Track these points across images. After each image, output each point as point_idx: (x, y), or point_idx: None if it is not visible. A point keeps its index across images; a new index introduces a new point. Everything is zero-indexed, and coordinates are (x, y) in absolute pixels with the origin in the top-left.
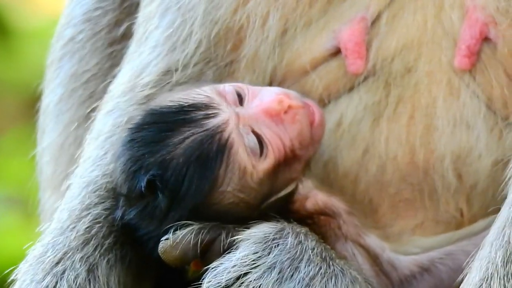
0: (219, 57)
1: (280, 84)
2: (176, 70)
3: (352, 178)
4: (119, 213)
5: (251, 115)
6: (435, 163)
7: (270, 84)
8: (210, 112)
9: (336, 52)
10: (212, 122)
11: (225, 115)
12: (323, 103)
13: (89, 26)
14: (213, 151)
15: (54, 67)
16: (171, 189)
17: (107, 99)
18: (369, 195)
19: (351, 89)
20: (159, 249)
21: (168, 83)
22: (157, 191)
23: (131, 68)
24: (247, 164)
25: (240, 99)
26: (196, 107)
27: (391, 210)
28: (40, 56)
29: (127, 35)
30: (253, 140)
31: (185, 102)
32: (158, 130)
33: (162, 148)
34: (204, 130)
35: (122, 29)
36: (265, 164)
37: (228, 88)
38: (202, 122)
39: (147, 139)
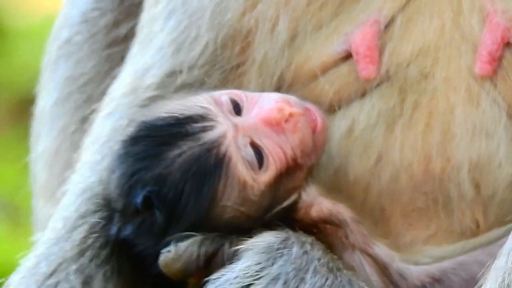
0: (226, 60)
1: (288, 89)
2: (181, 72)
3: (363, 186)
4: (114, 229)
5: (250, 125)
6: (451, 172)
7: (279, 88)
8: (206, 125)
9: (347, 57)
10: (209, 136)
11: (222, 128)
12: (333, 108)
13: (86, 27)
14: (211, 166)
15: (50, 69)
16: (168, 205)
17: (106, 101)
18: (381, 204)
19: (363, 95)
20: (160, 262)
21: (172, 85)
22: (154, 208)
23: (134, 70)
24: (247, 178)
25: (238, 107)
26: (192, 119)
27: (403, 219)
28: (35, 57)
29: (126, 37)
30: (251, 152)
31: (181, 114)
32: (153, 144)
33: (158, 163)
34: (201, 144)
35: (121, 30)
36: (266, 176)
37: (225, 96)
38: (199, 136)
39: (142, 153)
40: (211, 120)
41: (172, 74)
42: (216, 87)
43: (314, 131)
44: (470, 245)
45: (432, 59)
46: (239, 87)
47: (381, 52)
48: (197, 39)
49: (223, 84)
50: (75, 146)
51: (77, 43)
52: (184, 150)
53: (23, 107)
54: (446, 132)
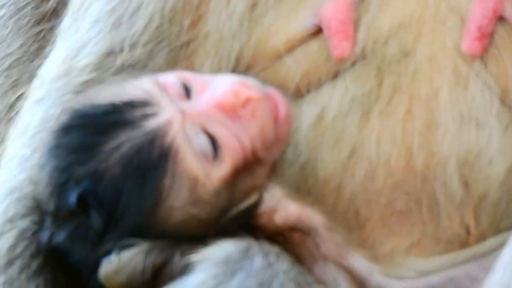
0: (174, 35)
1: (248, 70)
2: (121, 50)
3: (334, 185)
4: (45, 235)
5: (200, 111)
6: (436, 169)
7: (236, 70)
8: (148, 112)
9: (317, 32)
10: (151, 124)
11: (167, 114)
12: (300, 93)
13: (11, 0)
14: (154, 159)
15: None
16: (106, 206)
17: (36, 85)
18: (355, 206)
19: (335, 76)
20: (100, 274)
21: (111, 66)
22: (89, 209)
23: (66, 48)
24: (198, 172)
25: (188, 92)
26: (131, 105)
27: (381, 224)
28: None
29: (58, 11)
30: (204, 142)
31: (118, 100)
32: (88, 135)
33: (94, 156)
34: (142, 134)
35: (51, 3)
36: (221, 170)
37: (172, 79)
38: (139, 124)
39: (75, 145)
40: (154, 106)
41: (110, 53)
42: (162, 69)
43: (276, 119)
44: (461, 257)
45: (414, 34)
46: (189, 68)
47: (356, 27)
48: (140, 11)
49: (171, 65)
50: (1, 139)
51: (1, 19)
52: (123, 141)
53: None
54: (430, 121)
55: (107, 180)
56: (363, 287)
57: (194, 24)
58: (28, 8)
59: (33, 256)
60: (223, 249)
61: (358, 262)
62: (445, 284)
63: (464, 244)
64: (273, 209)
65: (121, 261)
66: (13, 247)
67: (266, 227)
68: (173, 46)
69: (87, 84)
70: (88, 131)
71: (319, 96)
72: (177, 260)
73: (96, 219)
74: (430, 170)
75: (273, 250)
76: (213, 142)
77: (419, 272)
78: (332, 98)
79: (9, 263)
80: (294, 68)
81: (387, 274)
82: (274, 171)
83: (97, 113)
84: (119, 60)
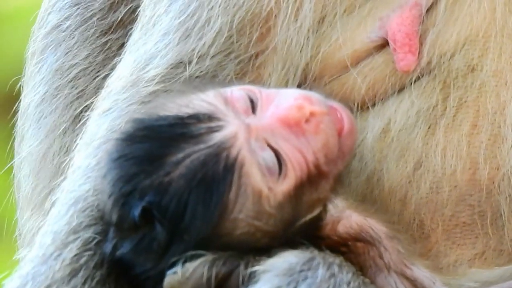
0: (243, 48)
1: (314, 82)
2: (190, 62)
3: (400, 196)
4: (109, 246)
5: (265, 126)
6: (501, 182)
7: (302, 82)
8: (214, 125)
9: (383, 45)
10: (216, 137)
11: (232, 128)
12: (366, 106)
13: (77, 10)
14: (220, 172)
15: (36, 60)
16: (171, 219)
17: (103, 96)
18: (420, 217)
19: (401, 90)
20: (164, 285)
21: (179, 78)
22: (154, 221)
23: (135, 60)
24: (263, 187)
25: (253, 105)
26: (197, 118)
27: (445, 236)
28: (19, 45)
29: (123, 22)
30: (269, 156)
31: (184, 112)
32: (153, 147)
33: (158, 168)
34: (208, 147)
35: (118, 14)
36: (285, 185)
37: (237, 92)
38: (205, 138)
39: (140, 156)
40: (219, 119)
41: (179, 65)
42: (230, 81)
43: (340, 133)
44: None
45: (481, 49)
46: (257, 80)
47: (422, 41)
48: (209, 24)
49: (239, 77)
50: (65, 149)
51: (67, 29)
52: (188, 154)
53: (8, 104)
54: (496, 135)
55: (171, 192)
56: None
57: (262, 36)
58: (94, 19)
59: (96, 267)
60: (287, 260)
61: (421, 272)
62: None
63: None
64: (337, 219)
65: (186, 272)
66: (76, 257)
67: (330, 237)
68: (241, 58)
69: (155, 95)
70: (153, 143)
71: (385, 109)
72: (242, 271)
73: (160, 232)
74: (495, 184)
75: (336, 260)
76: (277, 156)
77: (480, 282)
78: (398, 111)
79: (73, 273)
80: (360, 80)
81: (448, 284)
82: (339, 183)
83: (163, 125)
84: (187, 72)
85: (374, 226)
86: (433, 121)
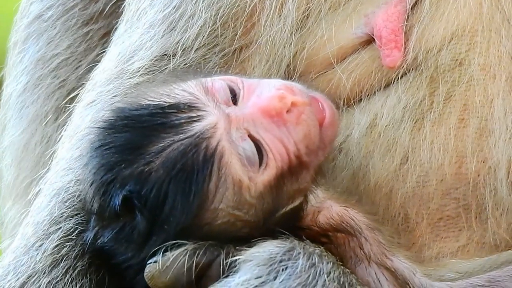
0: (227, 41)
1: (299, 77)
2: (175, 54)
3: (386, 190)
4: (90, 235)
5: (246, 115)
6: (487, 175)
7: (287, 77)
8: (194, 115)
9: (369, 41)
10: (196, 127)
11: (212, 118)
12: (352, 101)
13: (59, 1)
14: (199, 163)
15: (18, 50)
16: (151, 208)
17: (88, 88)
18: (405, 211)
19: (387, 85)
20: (145, 274)
21: (163, 70)
22: (135, 211)
23: (119, 52)
24: (243, 177)
25: (234, 95)
26: (177, 108)
27: (429, 229)
28: (1, 35)
29: (105, 13)
30: (249, 146)
31: (164, 102)
32: (133, 136)
33: (139, 157)
34: (187, 137)
35: (99, 5)
36: (265, 175)
37: (218, 83)
38: (185, 128)
39: (121, 145)
40: (200, 109)
41: (163, 57)
42: (214, 74)
43: (321, 124)
44: (503, 258)
45: (468, 43)
46: (241, 74)
47: (407, 36)
48: (194, 17)
49: (223, 70)
50: (47, 138)
51: (49, 19)
52: (168, 144)
53: None
54: (483, 129)
55: (152, 182)
56: (405, 287)
57: (247, 31)
58: (76, 9)
59: (77, 257)
60: (267, 249)
61: (401, 262)
62: (486, 286)
63: (509, 248)
64: (318, 210)
65: (166, 261)
66: (58, 248)
67: (310, 227)
68: (225, 51)
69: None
70: (134, 132)
71: (371, 105)
72: (222, 261)
73: (141, 221)
74: (480, 177)
75: (316, 250)
76: (258, 146)
77: (460, 273)
78: (384, 107)
79: (54, 264)
80: (345, 77)
81: (429, 275)
82: (320, 174)
83: (143, 114)
84: (171, 65)
85: (355, 217)
86: (420, 115)
